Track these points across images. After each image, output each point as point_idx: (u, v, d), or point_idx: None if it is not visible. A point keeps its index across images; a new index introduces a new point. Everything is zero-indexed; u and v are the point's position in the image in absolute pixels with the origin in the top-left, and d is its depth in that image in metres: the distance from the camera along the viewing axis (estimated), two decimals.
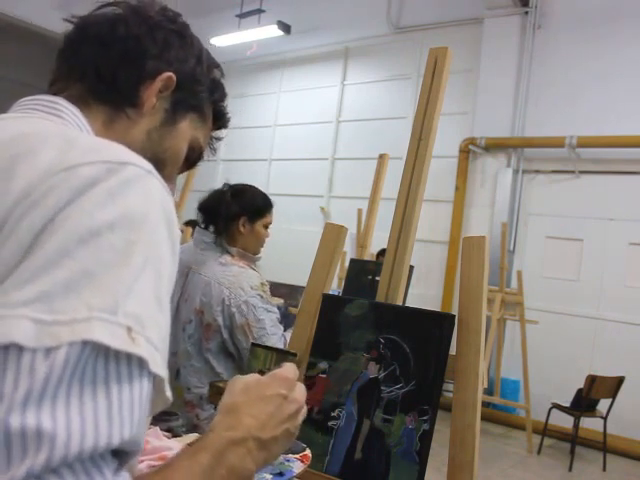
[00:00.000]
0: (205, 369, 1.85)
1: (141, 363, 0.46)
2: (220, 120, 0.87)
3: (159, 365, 0.48)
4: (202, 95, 0.80)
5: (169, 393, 0.51)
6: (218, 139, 0.91)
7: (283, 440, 0.66)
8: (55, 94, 0.70)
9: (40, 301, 0.44)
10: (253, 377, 0.69)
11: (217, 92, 0.84)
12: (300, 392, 0.70)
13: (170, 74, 0.74)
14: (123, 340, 0.45)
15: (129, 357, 0.46)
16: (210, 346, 1.85)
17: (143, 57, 0.73)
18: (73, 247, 0.46)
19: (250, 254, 1.99)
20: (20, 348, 0.42)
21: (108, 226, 0.48)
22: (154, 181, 0.54)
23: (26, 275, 0.45)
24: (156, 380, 0.49)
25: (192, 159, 0.83)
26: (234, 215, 1.96)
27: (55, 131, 0.59)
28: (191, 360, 1.86)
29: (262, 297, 1.87)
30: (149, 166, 0.55)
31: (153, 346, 0.48)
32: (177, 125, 0.77)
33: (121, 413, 0.44)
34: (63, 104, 0.67)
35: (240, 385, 0.67)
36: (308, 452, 1.09)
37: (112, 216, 0.48)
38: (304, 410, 0.71)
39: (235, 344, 1.85)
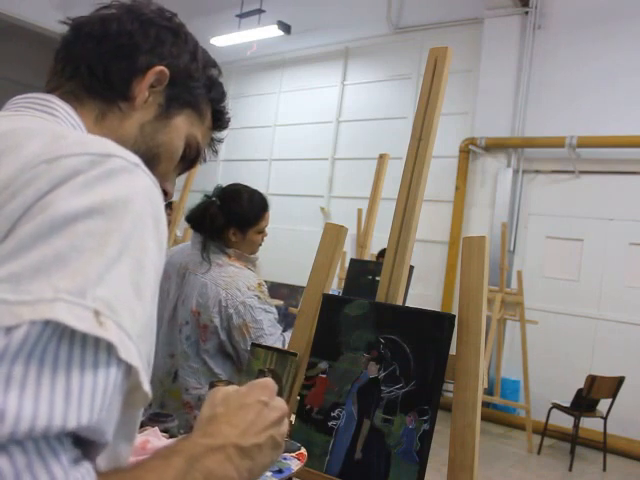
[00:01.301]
0: (203, 370, 1.84)
1: (110, 349, 0.45)
2: (220, 120, 0.87)
3: (132, 354, 0.46)
4: (197, 92, 0.80)
5: (147, 387, 0.49)
6: (219, 140, 0.91)
7: (268, 448, 0.63)
8: (49, 92, 0.70)
9: (7, 282, 0.43)
10: (232, 387, 0.67)
11: (214, 90, 0.84)
12: (281, 401, 0.68)
13: (162, 68, 0.75)
14: (89, 323, 0.43)
15: (97, 342, 0.44)
16: (207, 347, 1.84)
17: (135, 52, 0.74)
18: (47, 232, 0.46)
19: (247, 254, 1.96)
20: None
21: (86, 212, 0.47)
22: (141, 173, 0.54)
23: None
24: (132, 371, 0.47)
25: (190, 157, 0.83)
26: (222, 227, 1.91)
27: (45, 127, 0.59)
28: (189, 361, 1.85)
29: (259, 298, 1.85)
30: (136, 159, 0.55)
31: (125, 333, 0.46)
32: (171, 120, 0.77)
33: (80, 397, 0.43)
34: (56, 102, 0.68)
35: (219, 396, 0.65)
36: (303, 451, 1.09)
37: (90, 203, 0.48)
38: (286, 422, 0.69)
39: (233, 345, 1.84)
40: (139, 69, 0.74)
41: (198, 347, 1.85)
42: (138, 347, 0.47)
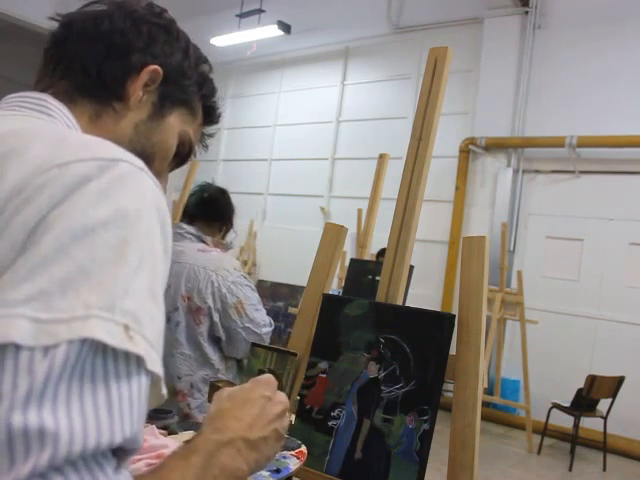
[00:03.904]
0: (195, 356, 1.89)
1: (138, 361, 0.46)
2: (210, 115, 0.87)
3: (156, 363, 0.48)
4: (190, 89, 0.80)
5: (165, 391, 0.51)
6: (210, 136, 0.91)
7: (272, 440, 0.68)
8: (41, 92, 0.69)
9: (37, 300, 0.43)
10: (237, 387, 0.72)
11: (205, 86, 0.83)
12: (283, 395, 0.73)
13: (156, 67, 0.74)
14: (121, 338, 0.45)
15: (127, 355, 0.45)
16: (201, 330, 1.89)
17: (128, 51, 0.73)
18: (68, 244, 0.46)
19: (223, 242, 2.10)
20: (17, 347, 0.41)
21: (102, 224, 0.48)
22: (146, 178, 0.54)
23: (22, 273, 0.45)
24: (153, 378, 0.49)
25: (183, 154, 0.83)
26: (227, 215, 2.13)
27: (45, 129, 0.59)
28: (180, 348, 1.88)
29: (245, 277, 1.97)
30: (141, 163, 0.55)
31: (150, 344, 0.47)
32: (165, 119, 0.77)
33: (121, 411, 0.44)
34: (50, 101, 0.67)
35: (225, 394, 0.70)
36: (303, 448, 1.09)
37: (105, 214, 0.48)
38: (287, 415, 0.74)
39: (225, 326, 1.89)
40: (133, 68, 0.73)
41: (190, 332, 1.89)
42: (158, 353, 0.49)
